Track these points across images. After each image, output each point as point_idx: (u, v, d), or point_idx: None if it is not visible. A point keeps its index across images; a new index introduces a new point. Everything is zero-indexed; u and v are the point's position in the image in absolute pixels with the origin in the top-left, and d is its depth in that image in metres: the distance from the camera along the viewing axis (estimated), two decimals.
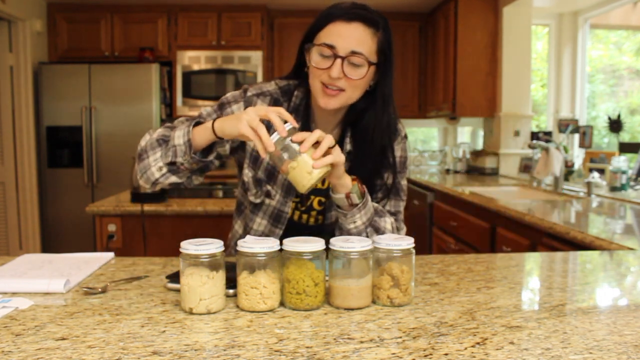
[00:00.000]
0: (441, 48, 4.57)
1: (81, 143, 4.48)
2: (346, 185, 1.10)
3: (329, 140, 1.02)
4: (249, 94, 1.24)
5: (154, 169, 1.15)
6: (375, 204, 1.23)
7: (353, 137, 1.25)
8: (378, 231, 1.20)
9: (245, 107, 1.20)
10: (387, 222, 1.23)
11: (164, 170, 1.14)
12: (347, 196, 1.11)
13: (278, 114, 1.01)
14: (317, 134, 1.02)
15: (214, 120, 1.09)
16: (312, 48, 1.14)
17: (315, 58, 1.14)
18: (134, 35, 4.73)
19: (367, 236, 1.18)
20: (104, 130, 4.49)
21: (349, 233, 1.17)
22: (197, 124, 1.12)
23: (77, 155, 4.50)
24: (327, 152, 1.03)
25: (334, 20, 1.13)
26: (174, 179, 1.16)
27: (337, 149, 1.05)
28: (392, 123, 1.28)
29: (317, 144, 1.02)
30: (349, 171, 1.24)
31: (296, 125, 1.03)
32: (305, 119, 1.24)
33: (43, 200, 4.55)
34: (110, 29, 4.74)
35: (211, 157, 1.16)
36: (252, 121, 1.00)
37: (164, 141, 1.15)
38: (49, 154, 4.50)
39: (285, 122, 1.02)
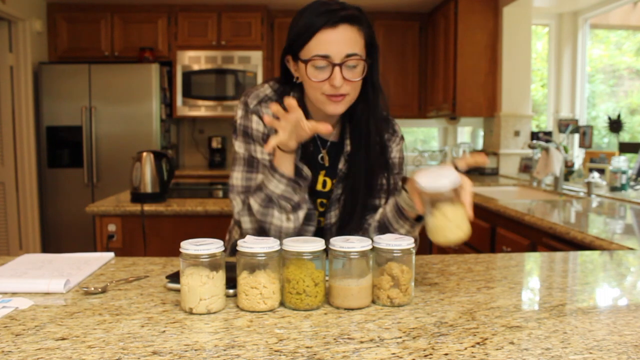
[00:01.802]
0: (441, 48, 4.57)
1: (81, 143, 4.48)
2: None
3: (471, 187, 1.01)
4: (251, 106, 1.23)
5: (286, 224, 1.17)
6: None
7: (351, 134, 1.26)
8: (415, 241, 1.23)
9: (255, 117, 1.21)
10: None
11: (292, 216, 1.16)
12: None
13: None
14: (469, 188, 1.00)
15: (280, 147, 1.12)
16: (306, 63, 1.12)
17: (310, 72, 1.13)
18: (134, 35, 4.73)
19: None
20: (104, 130, 4.49)
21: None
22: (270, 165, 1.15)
23: (77, 155, 4.50)
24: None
25: (319, 29, 1.10)
26: (302, 213, 1.18)
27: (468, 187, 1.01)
28: (386, 118, 1.29)
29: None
30: (348, 171, 1.24)
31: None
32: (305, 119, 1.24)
33: (43, 200, 4.55)
34: (110, 29, 4.74)
35: (306, 172, 1.17)
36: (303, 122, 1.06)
37: (269, 201, 1.15)
38: (49, 154, 4.50)
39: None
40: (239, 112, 1.25)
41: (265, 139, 1.22)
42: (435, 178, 0.97)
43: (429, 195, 0.98)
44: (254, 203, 1.17)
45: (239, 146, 1.24)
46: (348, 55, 1.10)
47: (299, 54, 1.14)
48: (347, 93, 1.14)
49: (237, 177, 1.23)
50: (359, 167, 1.23)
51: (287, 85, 1.25)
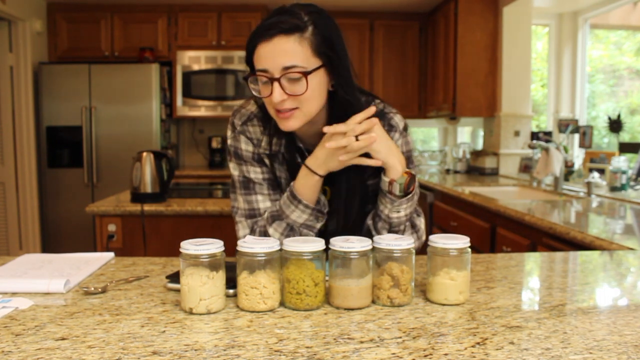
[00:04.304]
0: (441, 48, 4.57)
1: (81, 143, 4.48)
2: (395, 172, 1.11)
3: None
4: (238, 127, 1.22)
5: None
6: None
7: None
8: (414, 227, 1.20)
9: (243, 138, 1.21)
10: (422, 222, 1.23)
11: None
12: (391, 183, 1.11)
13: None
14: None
15: (309, 168, 1.11)
16: (250, 80, 1.10)
17: (259, 87, 1.10)
18: (134, 35, 4.73)
19: (404, 229, 1.18)
20: (104, 130, 4.49)
21: (389, 221, 1.16)
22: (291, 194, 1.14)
23: (77, 155, 4.50)
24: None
25: (256, 43, 1.06)
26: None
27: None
28: (380, 112, 1.22)
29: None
30: (338, 178, 1.20)
31: None
32: (290, 135, 1.20)
33: (43, 200, 4.55)
34: (110, 29, 4.74)
35: (323, 200, 1.16)
36: (345, 148, 1.06)
37: (290, 230, 1.15)
38: (49, 154, 4.50)
39: None
40: (229, 133, 1.24)
41: (255, 158, 1.21)
42: (448, 240, 0.99)
43: (440, 254, 0.99)
44: (274, 232, 1.16)
45: (233, 168, 1.24)
46: (285, 68, 1.04)
47: (251, 70, 1.11)
48: (296, 107, 1.08)
49: (239, 199, 1.22)
50: (348, 174, 1.18)
51: None
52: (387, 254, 0.97)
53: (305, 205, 1.13)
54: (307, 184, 1.12)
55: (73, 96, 4.46)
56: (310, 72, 1.06)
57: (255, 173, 1.21)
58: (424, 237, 1.23)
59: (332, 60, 1.09)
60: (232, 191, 1.25)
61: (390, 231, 1.17)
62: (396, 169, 1.11)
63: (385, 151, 1.09)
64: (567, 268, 1.33)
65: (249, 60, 1.10)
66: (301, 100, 1.07)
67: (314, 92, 1.08)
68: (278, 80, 1.04)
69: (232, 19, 4.75)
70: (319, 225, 1.17)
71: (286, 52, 1.04)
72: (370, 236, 1.17)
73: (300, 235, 1.15)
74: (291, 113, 1.08)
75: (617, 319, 0.90)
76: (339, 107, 1.13)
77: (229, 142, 1.24)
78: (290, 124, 1.10)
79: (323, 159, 1.10)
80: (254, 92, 1.11)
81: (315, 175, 1.11)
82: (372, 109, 1.08)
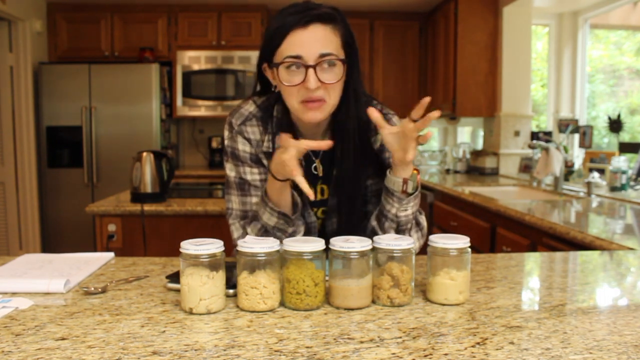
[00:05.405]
0: (441, 48, 4.57)
1: (81, 143, 4.48)
2: (407, 170, 1.10)
3: None
4: (235, 127, 1.21)
5: None
6: None
7: (336, 141, 1.17)
8: (419, 225, 1.20)
9: (241, 138, 1.20)
10: (424, 219, 1.23)
11: None
12: (405, 182, 1.10)
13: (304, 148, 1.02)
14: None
15: (270, 172, 1.08)
16: (278, 67, 1.08)
17: (284, 77, 1.07)
18: (134, 35, 4.73)
19: (410, 227, 1.17)
20: (104, 130, 4.49)
21: (397, 220, 1.15)
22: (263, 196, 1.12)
23: (77, 155, 4.50)
24: None
25: (290, 30, 1.05)
26: (299, 235, 1.17)
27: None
28: (379, 112, 1.24)
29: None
30: (337, 178, 1.21)
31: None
32: (291, 133, 1.18)
33: (43, 200, 4.55)
34: (110, 29, 4.74)
35: (298, 200, 1.15)
36: (293, 167, 1.01)
37: (265, 231, 1.14)
38: (49, 154, 4.50)
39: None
40: (226, 133, 1.23)
41: (253, 159, 1.21)
42: (448, 240, 0.99)
43: (440, 254, 0.99)
44: (251, 232, 1.16)
45: (230, 169, 1.23)
46: (322, 55, 1.05)
47: (272, 58, 1.10)
48: (324, 98, 1.08)
49: (234, 200, 1.22)
50: (347, 173, 1.19)
51: (271, 97, 1.21)
52: (387, 254, 0.97)
53: (271, 208, 1.11)
54: (273, 188, 1.10)
55: (73, 96, 4.46)
56: (345, 60, 1.08)
57: (252, 174, 1.21)
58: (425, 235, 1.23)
59: (353, 55, 1.11)
60: (227, 192, 1.24)
61: (397, 230, 1.17)
62: (410, 168, 1.11)
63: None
64: (567, 268, 1.33)
65: (272, 48, 1.09)
66: (330, 90, 1.08)
67: (340, 83, 1.10)
68: (314, 67, 1.05)
69: (232, 19, 4.75)
70: (290, 230, 1.15)
71: (323, 39, 1.05)
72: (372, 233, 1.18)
73: (275, 237, 1.12)
74: (320, 104, 1.09)
75: (617, 319, 0.90)
76: (352, 101, 1.14)
77: (226, 142, 1.23)
78: (317, 115, 1.10)
79: (274, 165, 1.07)
80: (283, 82, 1.08)
81: (276, 180, 1.08)
82: (329, 142, 1.05)
